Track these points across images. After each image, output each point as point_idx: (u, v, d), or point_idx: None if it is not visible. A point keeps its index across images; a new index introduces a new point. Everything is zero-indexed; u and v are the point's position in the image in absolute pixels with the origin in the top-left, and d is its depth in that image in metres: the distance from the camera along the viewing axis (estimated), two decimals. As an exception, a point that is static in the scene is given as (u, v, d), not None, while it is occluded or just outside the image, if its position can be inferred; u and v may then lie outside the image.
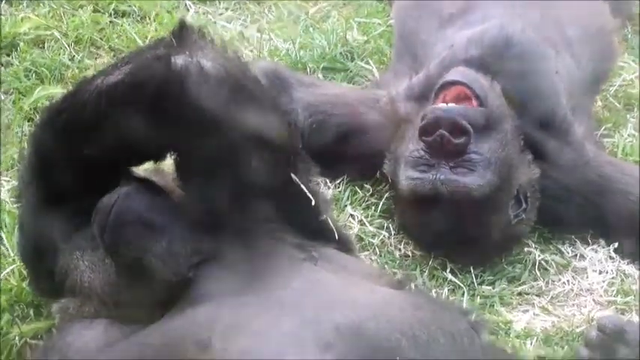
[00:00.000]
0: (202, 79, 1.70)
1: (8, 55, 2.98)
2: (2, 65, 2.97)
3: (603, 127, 3.00)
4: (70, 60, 3.00)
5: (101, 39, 3.15)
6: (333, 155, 2.66)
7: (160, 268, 1.78)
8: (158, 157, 1.95)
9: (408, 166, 2.45)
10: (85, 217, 1.87)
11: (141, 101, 1.71)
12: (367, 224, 2.61)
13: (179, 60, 1.70)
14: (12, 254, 2.35)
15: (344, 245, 2.10)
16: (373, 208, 2.65)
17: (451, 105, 2.41)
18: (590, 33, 2.94)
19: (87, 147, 1.79)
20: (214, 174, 1.80)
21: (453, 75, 2.50)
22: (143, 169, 2.02)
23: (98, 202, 1.81)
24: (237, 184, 1.80)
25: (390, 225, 2.62)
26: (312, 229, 2.00)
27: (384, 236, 2.58)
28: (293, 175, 1.91)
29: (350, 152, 2.74)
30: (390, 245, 2.57)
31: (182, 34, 1.81)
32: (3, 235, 2.40)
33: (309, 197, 1.93)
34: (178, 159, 1.87)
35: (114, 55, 3.08)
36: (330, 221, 2.04)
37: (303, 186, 1.92)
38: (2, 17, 3.13)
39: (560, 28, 2.86)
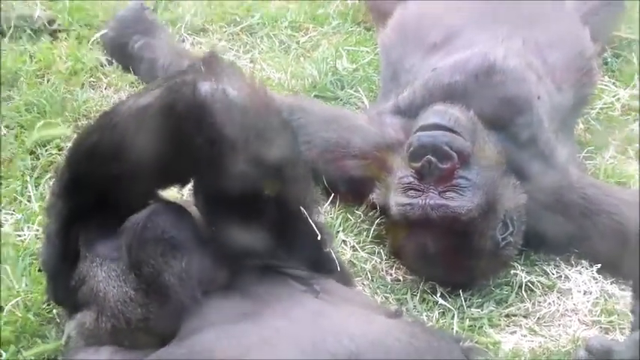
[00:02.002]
0: (226, 106, 1.74)
1: (9, 90, 2.99)
2: (2, 100, 2.98)
3: (585, 150, 3.02)
4: (69, 93, 3.01)
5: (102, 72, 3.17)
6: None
7: (176, 288, 1.82)
8: (181, 181, 2.01)
9: (398, 192, 2.48)
10: (109, 231, 1.92)
11: (166, 124, 1.75)
12: (359, 250, 2.63)
13: (205, 86, 1.74)
14: (17, 286, 2.35)
15: (344, 277, 2.14)
16: (365, 233, 2.67)
17: (436, 132, 2.44)
18: (571, 58, 2.97)
19: (116, 166, 1.83)
20: (227, 202, 1.84)
21: (431, 118, 2.52)
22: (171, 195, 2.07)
23: (126, 218, 1.85)
24: (248, 214, 1.85)
25: (382, 250, 2.63)
26: (314, 261, 2.04)
27: (375, 261, 2.60)
28: (302, 210, 1.95)
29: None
30: (382, 270, 2.59)
31: (211, 62, 1.85)
32: (8, 268, 2.40)
33: (314, 231, 1.97)
34: (197, 184, 1.93)
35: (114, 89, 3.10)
36: (332, 254, 2.08)
37: (311, 221, 1.96)
38: (4, 51, 3.15)
39: (541, 54, 2.89)
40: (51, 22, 3.30)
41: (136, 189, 1.92)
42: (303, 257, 2.03)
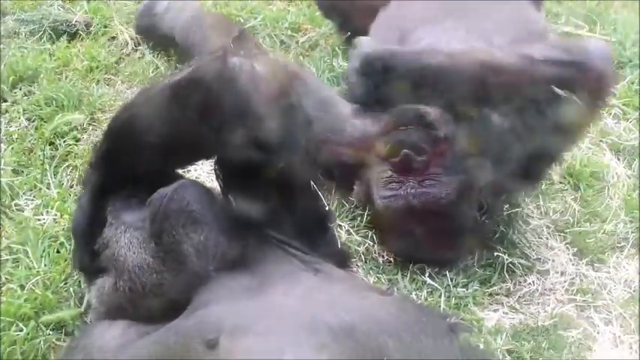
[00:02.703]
0: (252, 77, 1.77)
1: (30, 85, 3.00)
2: (23, 95, 3.00)
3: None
4: (86, 89, 3.02)
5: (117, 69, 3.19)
6: None
7: (192, 258, 1.84)
8: (206, 156, 2.09)
9: (380, 185, 2.50)
10: (137, 202, 1.97)
11: (196, 96, 1.79)
12: (354, 234, 2.63)
13: (234, 59, 1.78)
14: (36, 266, 2.38)
15: (342, 256, 2.17)
16: (359, 219, 2.67)
17: (411, 127, 2.46)
18: (520, 39, 2.95)
19: (148, 140, 1.88)
20: (243, 175, 1.89)
21: (403, 113, 2.51)
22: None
23: (153, 191, 1.89)
24: (261, 188, 1.90)
25: (374, 234, 2.65)
26: (316, 239, 2.06)
27: (368, 244, 2.61)
28: (312, 184, 1.98)
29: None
30: (374, 252, 2.60)
31: (240, 40, 1.87)
32: (28, 250, 2.42)
33: (319, 209, 1.99)
34: (219, 159, 1.97)
35: (129, 83, 3.12)
36: (333, 233, 2.11)
37: (320, 194, 2.00)
38: (26, 50, 3.16)
39: (487, 39, 2.83)
40: (88, 25, 3.31)
41: (165, 162, 1.97)
42: (306, 235, 2.05)
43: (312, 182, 1.99)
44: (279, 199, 1.96)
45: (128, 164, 1.97)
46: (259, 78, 1.79)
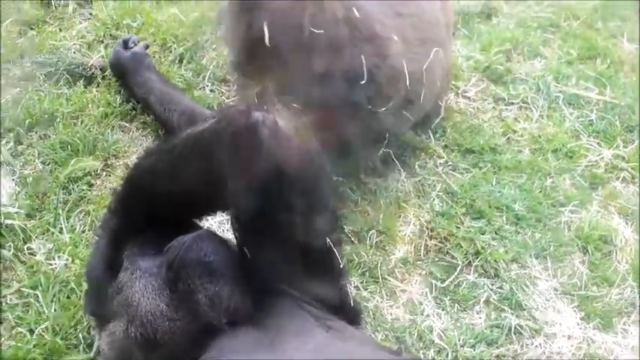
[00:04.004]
0: (275, 131, 1.78)
1: (47, 129, 3.03)
2: (39, 138, 3.02)
3: (571, 204, 3.06)
4: (100, 134, 3.05)
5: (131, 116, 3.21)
6: None
7: (206, 308, 1.85)
8: (223, 208, 2.10)
9: None
10: (153, 248, 1.99)
11: (218, 147, 1.82)
12: (362, 289, 2.65)
13: (257, 113, 1.79)
14: (46, 311, 2.39)
15: (354, 312, 2.17)
16: (367, 274, 2.69)
17: None
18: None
19: (168, 188, 1.91)
20: (259, 229, 1.88)
21: None
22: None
23: (170, 239, 1.92)
24: (276, 242, 1.89)
25: (383, 290, 2.66)
26: (330, 295, 2.07)
27: (377, 301, 2.62)
28: (329, 243, 1.99)
29: None
30: (383, 309, 2.61)
31: (264, 96, 1.90)
32: (39, 294, 2.43)
33: (334, 265, 2.00)
34: (235, 211, 1.96)
35: (144, 131, 3.15)
36: (347, 290, 2.12)
37: (338, 254, 2.01)
38: (42, 93, 3.19)
39: None
40: (103, 69, 3.34)
41: (183, 211, 1.99)
42: (319, 290, 2.06)
43: (328, 239, 2.00)
44: (294, 254, 1.97)
45: (147, 211, 2.00)
46: (282, 133, 1.81)
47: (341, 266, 2.08)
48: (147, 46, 3.33)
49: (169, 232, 1.95)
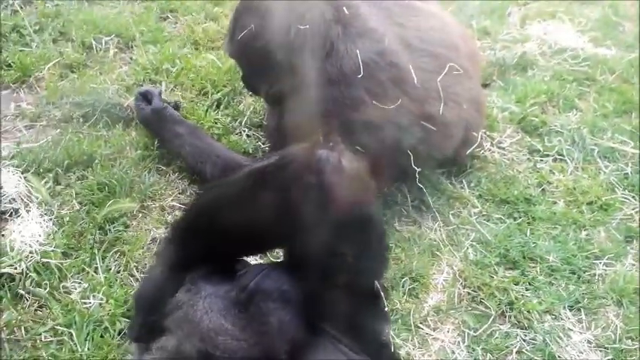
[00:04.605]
0: (338, 170, 1.80)
1: (84, 170, 3.08)
2: (77, 179, 3.07)
3: (606, 257, 3.04)
4: (137, 177, 3.09)
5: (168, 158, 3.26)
6: None
7: (273, 334, 1.86)
8: (282, 244, 2.09)
9: None
10: (217, 277, 2.00)
11: (280, 183, 1.84)
12: (395, 337, 2.63)
13: (322, 151, 1.82)
14: (80, 350, 2.41)
15: None
16: (400, 321, 2.68)
17: None
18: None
19: (230, 221, 1.93)
20: (314, 266, 1.90)
21: None
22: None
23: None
24: (329, 283, 1.91)
25: (415, 338, 2.65)
26: (369, 343, 2.07)
27: (409, 348, 2.61)
28: (377, 285, 1.99)
29: None
30: (415, 357, 2.59)
31: (328, 137, 1.93)
32: (73, 333, 2.45)
33: (378, 311, 2.01)
34: (292, 249, 2.00)
35: (180, 174, 3.19)
36: (388, 341, 2.12)
37: (383, 299, 2.01)
38: (82, 135, 3.25)
39: None
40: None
41: (241, 245, 2.02)
42: (360, 333, 2.05)
43: (377, 282, 2.00)
44: (341, 294, 1.97)
45: (205, 242, 2.02)
46: (345, 172, 1.83)
47: (384, 311, 2.08)
48: (177, 106, 3.41)
49: (224, 266, 1.99)
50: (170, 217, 2.97)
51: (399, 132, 2.80)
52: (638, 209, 3.30)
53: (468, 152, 3.25)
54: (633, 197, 3.37)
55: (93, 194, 2.98)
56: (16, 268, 2.62)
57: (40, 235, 2.77)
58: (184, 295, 2.00)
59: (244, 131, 3.44)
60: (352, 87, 2.74)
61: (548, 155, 3.54)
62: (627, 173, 3.49)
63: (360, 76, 2.72)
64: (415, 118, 2.85)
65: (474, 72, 3.21)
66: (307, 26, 2.71)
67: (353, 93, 2.74)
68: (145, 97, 3.29)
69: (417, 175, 2.92)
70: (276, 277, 1.91)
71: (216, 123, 3.43)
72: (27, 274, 2.62)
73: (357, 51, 2.73)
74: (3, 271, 2.60)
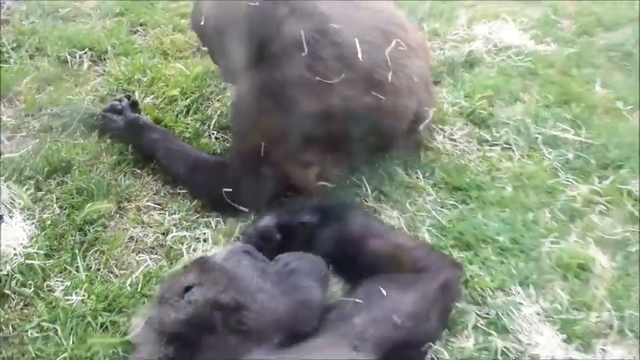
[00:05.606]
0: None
1: (64, 176, 3.09)
2: (57, 184, 3.08)
3: (552, 235, 3.09)
4: (114, 180, 3.11)
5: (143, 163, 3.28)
6: None
7: (311, 298, 2.10)
8: None
9: None
10: None
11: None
12: None
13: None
14: (64, 344, 2.43)
15: None
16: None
17: None
18: None
19: None
20: None
21: None
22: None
23: None
24: None
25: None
26: None
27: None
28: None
29: None
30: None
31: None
32: (58, 328, 2.47)
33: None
34: None
35: (154, 176, 3.21)
36: None
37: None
38: (60, 143, 3.25)
39: None
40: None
41: None
42: None
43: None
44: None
45: None
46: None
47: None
48: (129, 97, 3.41)
49: None
50: (145, 216, 2.99)
51: (347, 105, 2.83)
52: (579, 191, 3.33)
53: (421, 127, 3.27)
54: (575, 180, 3.41)
55: (72, 198, 3.01)
56: (1, 270, 2.63)
57: (23, 239, 2.79)
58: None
59: (213, 134, 3.46)
60: (295, 66, 2.75)
61: (496, 144, 3.58)
62: (569, 158, 3.53)
63: (304, 54, 2.74)
64: (364, 90, 2.88)
65: (423, 56, 3.24)
66: (257, 3, 2.74)
67: (296, 71, 2.74)
68: (114, 109, 3.30)
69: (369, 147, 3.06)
70: (320, 261, 2.18)
71: (187, 127, 3.45)
72: (12, 275, 2.64)
73: (302, 30, 2.75)
74: (-11, 273, 2.60)
